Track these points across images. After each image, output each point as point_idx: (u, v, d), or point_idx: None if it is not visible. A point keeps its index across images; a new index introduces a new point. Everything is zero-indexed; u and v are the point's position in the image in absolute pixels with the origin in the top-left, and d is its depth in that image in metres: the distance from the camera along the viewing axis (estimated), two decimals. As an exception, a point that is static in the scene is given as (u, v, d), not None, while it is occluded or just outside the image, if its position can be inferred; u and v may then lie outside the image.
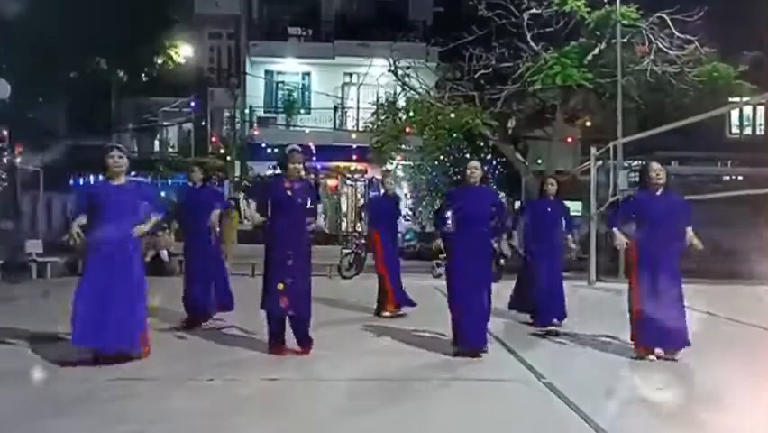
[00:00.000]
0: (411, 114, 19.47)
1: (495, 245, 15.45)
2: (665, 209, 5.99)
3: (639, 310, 5.89)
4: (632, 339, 6.04)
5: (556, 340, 7.03)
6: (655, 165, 6.08)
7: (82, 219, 5.64)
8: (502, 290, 7.82)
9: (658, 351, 5.89)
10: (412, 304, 8.50)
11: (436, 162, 23.26)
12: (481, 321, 6.02)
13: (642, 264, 5.96)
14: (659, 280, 5.84)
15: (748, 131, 25.40)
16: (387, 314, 8.34)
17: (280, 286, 5.82)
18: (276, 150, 22.85)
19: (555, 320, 7.67)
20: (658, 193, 6.04)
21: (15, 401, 4.55)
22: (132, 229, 5.60)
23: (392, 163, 21.47)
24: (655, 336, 5.85)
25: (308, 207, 6.12)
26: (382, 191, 9.49)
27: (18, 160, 14.17)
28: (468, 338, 5.95)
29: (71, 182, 18.87)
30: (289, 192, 5.97)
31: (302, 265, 5.98)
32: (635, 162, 20.09)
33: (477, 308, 5.96)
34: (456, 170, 23.41)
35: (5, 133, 13.20)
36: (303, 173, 6.16)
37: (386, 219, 8.72)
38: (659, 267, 5.86)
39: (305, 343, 5.97)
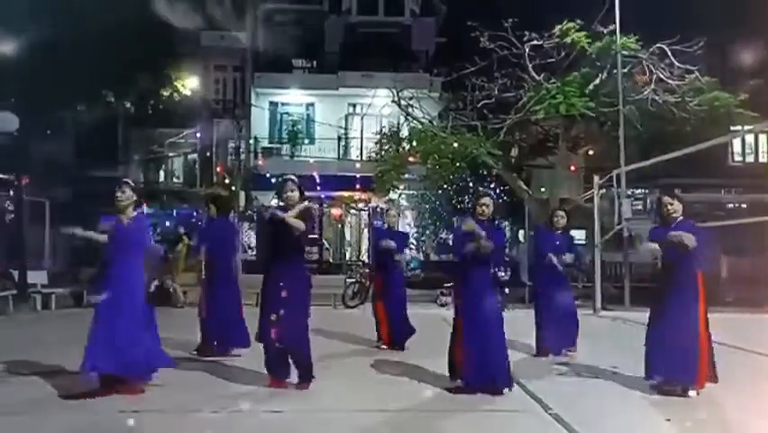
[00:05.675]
0: (414, 143, 19.58)
1: (501, 273, 15.40)
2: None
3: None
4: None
5: (563, 370, 6.97)
6: (665, 198, 5.90)
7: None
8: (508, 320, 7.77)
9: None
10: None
11: (440, 191, 23.34)
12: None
13: None
14: None
15: (751, 158, 25.52)
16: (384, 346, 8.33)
17: (273, 317, 5.68)
18: (280, 180, 22.94)
19: (564, 350, 7.64)
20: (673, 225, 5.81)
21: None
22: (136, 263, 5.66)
23: (396, 192, 21.52)
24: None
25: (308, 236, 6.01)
26: (385, 225, 9.04)
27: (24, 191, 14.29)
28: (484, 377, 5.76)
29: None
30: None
31: (297, 297, 5.77)
32: (639, 190, 20.05)
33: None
34: (460, 198, 23.52)
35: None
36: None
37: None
38: None
39: (304, 378, 5.82)
